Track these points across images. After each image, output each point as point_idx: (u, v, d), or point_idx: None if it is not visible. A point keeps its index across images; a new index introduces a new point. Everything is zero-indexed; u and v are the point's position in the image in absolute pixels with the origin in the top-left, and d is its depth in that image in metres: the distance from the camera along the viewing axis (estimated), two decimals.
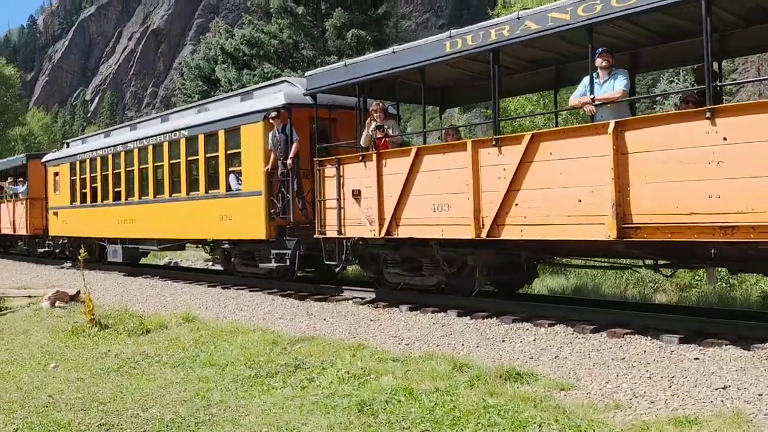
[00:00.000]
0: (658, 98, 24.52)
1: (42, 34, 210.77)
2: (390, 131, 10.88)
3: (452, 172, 9.29)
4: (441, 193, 9.48)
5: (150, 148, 16.23)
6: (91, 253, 18.42)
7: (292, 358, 6.99)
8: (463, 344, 7.90)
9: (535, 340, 7.97)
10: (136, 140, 16.95)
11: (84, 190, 19.50)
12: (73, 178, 20.14)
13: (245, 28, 23.45)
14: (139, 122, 19.24)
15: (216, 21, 75.64)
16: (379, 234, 10.38)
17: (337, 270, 12.64)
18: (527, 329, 8.58)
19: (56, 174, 21.33)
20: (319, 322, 9.58)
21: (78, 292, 12.07)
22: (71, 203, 20.15)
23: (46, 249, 22.39)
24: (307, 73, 12.15)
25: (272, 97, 12.95)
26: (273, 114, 12.36)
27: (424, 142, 10.70)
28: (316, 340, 8.02)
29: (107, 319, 9.57)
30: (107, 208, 18.18)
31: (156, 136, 16.10)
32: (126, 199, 17.30)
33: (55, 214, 21.07)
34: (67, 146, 22.51)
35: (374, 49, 15.61)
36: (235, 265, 14.33)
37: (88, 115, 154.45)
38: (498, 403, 5.36)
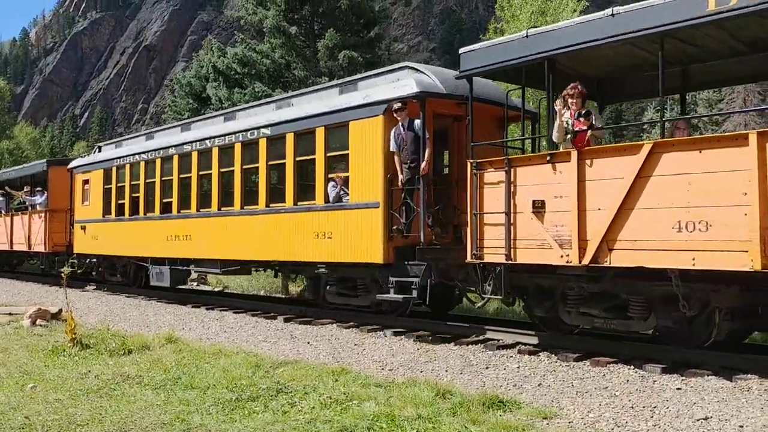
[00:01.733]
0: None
1: (34, 47, 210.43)
2: (595, 122, 8.41)
3: (716, 176, 6.79)
4: (694, 206, 6.93)
5: (214, 152, 13.88)
6: (123, 275, 17.37)
7: (275, 382, 6.93)
8: (446, 370, 7.88)
9: (518, 367, 7.96)
10: (195, 142, 14.56)
11: (121, 201, 17.02)
12: (107, 186, 17.66)
13: (238, 46, 23.53)
14: (194, 122, 16.40)
15: (209, 39, 76.04)
16: (579, 260, 7.84)
17: (479, 305, 10.49)
18: (511, 356, 8.59)
19: (85, 182, 18.86)
20: (303, 346, 9.53)
21: (60, 311, 11.96)
22: (104, 216, 17.70)
23: (71, 269, 19.29)
24: (461, 50, 9.40)
25: (394, 86, 10.69)
26: (398, 106, 10.17)
27: (661, 136, 7.82)
28: (299, 364, 7.97)
29: (89, 338, 9.46)
30: (152, 223, 15.68)
31: (223, 136, 13.75)
32: (179, 212, 14.86)
33: (83, 228, 18.65)
34: (99, 150, 19.71)
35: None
36: (326, 294, 12.16)
37: (77, 130, 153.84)
38: (480, 431, 5.34)
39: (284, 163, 12.28)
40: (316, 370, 7.62)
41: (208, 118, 16.04)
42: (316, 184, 11.59)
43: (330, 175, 11.44)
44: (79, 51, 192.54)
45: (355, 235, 10.68)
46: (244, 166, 13.21)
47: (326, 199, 11.40)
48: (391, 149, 10.28)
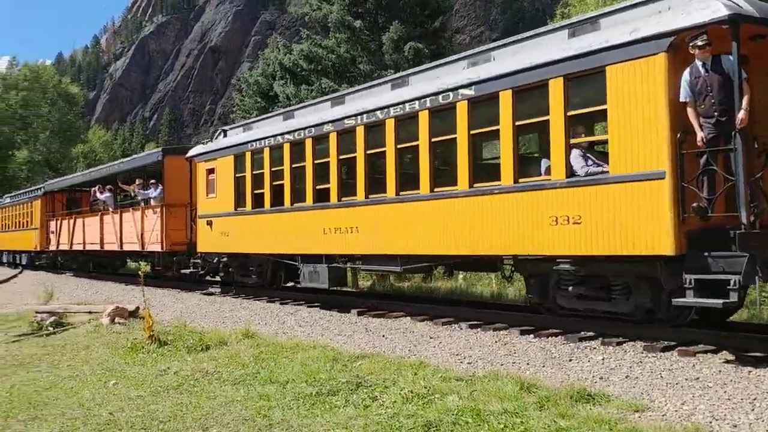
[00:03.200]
0: None
1: (104, 53, 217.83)
2: None
3: None
4: None
5: (389, 124, 11.34)
6: (259, 276, 15.27)
7: (354, 376, 6.84)
8: (528, 363, 7.64)
9: (603, 359, 7.66)
10: (359, 115, 11.96)
11: (259, 191, 14.52)
12: (239, 175, 15.25)
13: (303, 43, 23.61)
14: (347, 94, 13.50)
15: (274, 37, 76.74)
16: None
17: None
18: (594, 348, 8.28)
19: (210, 171, 16.43)
20: (378, 339, 9.43)
21: (137, 308, 12.18)
22: (236, 209, 15.27)
23: (192, 270, 17.38)
24: None
25: (681, 11, 7.79)
26: (697, 40, 7.51)
27: None
28: (376, 358, 7.86)
29: (166, 335, 9.59)
30: (303, 214, 13.20)
31: (400, 105, 11.19)
32: (339, 200, 12.41)
33: (209, 223, 16.24)
34: (225, 135, 17.06)
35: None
36: (558, 297, 9.52)
37: (147, 132, 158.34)
38: (571, 425, 5.11)
39: (497, 130, 9.67)
40: (394, 363, 7.50)
41: (369, 87, 13.07)
42: (554, 153, 8.93)
43: (573, 141, 8.85)
44: (147, 55, 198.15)
45: (623, 218, 8.06)
46: (433, 139, 10.72)
47: (569, 173, 8.78)
48: (681, 98, 7.72)
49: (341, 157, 12.51)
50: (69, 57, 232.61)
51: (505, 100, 9.44)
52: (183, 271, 17.79)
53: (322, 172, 12.99)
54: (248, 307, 13.40)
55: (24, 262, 33.93)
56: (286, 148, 13.72)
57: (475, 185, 9.97)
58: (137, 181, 20.45)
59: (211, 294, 16.36)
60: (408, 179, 11.28)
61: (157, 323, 10.00)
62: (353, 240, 12.01)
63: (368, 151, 11.89)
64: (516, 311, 11.13)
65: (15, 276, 27.74)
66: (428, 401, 5.93)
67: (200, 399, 6.47)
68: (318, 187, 12.97)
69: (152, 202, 19.45)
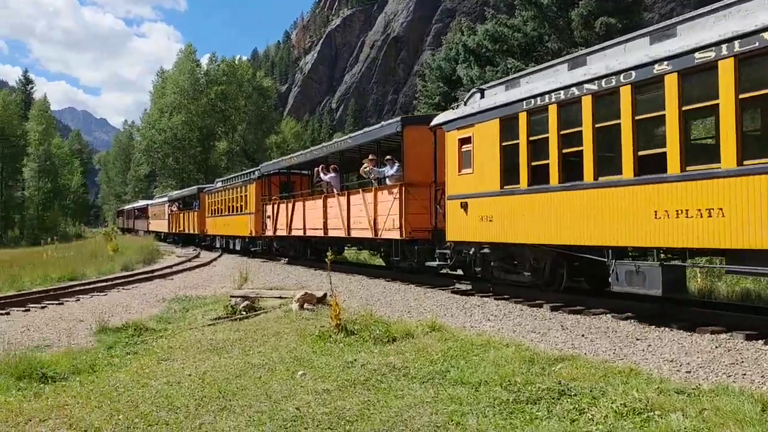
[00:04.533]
0: None
1: (295, 48, 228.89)
2: None
3: None
4: None
5: None
6: (534, 273, 12.01)
7: (555, 382, 6.09)
8: (763, 377, 6.46)
9: None
10: (720, 44, 8.13)
11: (540, 162, 11.18)
12: (508, 143, 11.98)
13: (487, 23, 22.80)
14: (677, 24, 9.49)
15: (458, 19, 75.99)
16: None
17: None
18: None
19: (464, 142, 13.30)
20: (577, 339, 8.55)
21: (325, 295, 12.13)
22: (503, 186, 12.10)
23: (440, 262, 14.55)
24: None
25: None
26: None
27: None
28: (577, 361, 7.04)
29: (353, 324, 9.34)
30: (617, 192, 9.70)
31: None
32: (684, 170, 8.68)
33: (463, 206, 13.17)
34: (482, 96, 13.40)
35: None
36: None
37: (334, 123, 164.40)
38: None
39: None
40: (598, 369, 6.65)
41: (702, 14, 9.12)
42: None
43: None
44: (333, 48, 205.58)
45: None
46: None
47: None
48: None
49: (685, 108, 8.72)
50: (263, 53, 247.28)
51: None
52: (428, 263, 14.81)
53: (648, 132, 9.72)
54: (433, 297, 12.93)
55: (238, 248, 32.73)
56: (586, 103, 10.24)
57: None
58: (370, 156, 17.69)
59: (461, 293, 13.55)
60: None
61: (344, 311, 9.80)
62: (712, 227, 8.31)
63: (743, 95, 8.01)
64: (733, 311, 9.77)
65: (215, 260, 29.42)
66: (646, 419, 5.08)
67: (388, 397, 6.05)
68: (642, 153, 9.42)
69: (387, 182, 16.68)
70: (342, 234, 19.17)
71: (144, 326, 11.23)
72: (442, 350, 7.69)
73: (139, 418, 5.80)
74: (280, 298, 12.81)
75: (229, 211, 32.99)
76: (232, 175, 37.58)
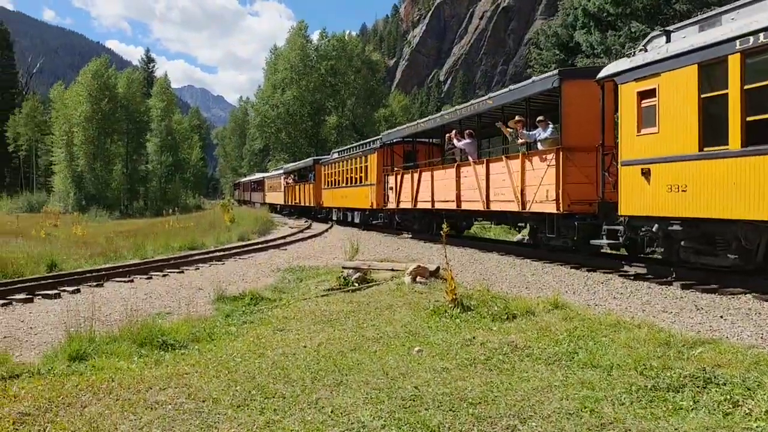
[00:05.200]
0: None
1: (403, 22, 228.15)
2: None
3: None
4: None
5: None
6: (741, 255, 9.76)
7: (698, 369, 5.52)
8: None
9: None
10: None
11: (760, 116, 8.94)
12: (710, 94, 9.81)
13: None
14: None
15: None
16: None
17: None
18: None
19: (644, 96, 11.14)
20: (715, 320, 7.85)
21: (438, 268, 11.82)
22: (702, 148, 9.90)
23: (610, 241, 12.33)
24: None
25: None
26: None
27: None
28: (719, 346, 6.40)
29: (469, 299, 8.98)
30: None
31: None
32: None
33: (645, 173, 11.02)
34: (668, 39, 11.16)
35: None
36: None
37: (442, 95, 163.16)
38: None
39: None
40: (746, 355, 6.00)
41: None
42: None
43: None
44: (442, 20, 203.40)
45: None
46: None
47: None
48: None
49: None
50: (371, 27, 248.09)
51: None
52: (594, 241, 12.74)
53: None
54: (551, 272, 12.35)
55: (357, 221, 31.28)
56: None
57: None
58: (516, 119, 15.40)
59: (641, 277, 11.46)
60: None
61: (458, 285, 9.46)
62: None
63: None
64: None
65: (326, 231, 29.76)
66: None
67: (512, 379, 5.67)
68: None
69: (539, 147, 14.36)
70: (479, 207, 17.09)
71: (260, 295, 11.32)
72: (568, 330, 7.21)
73: (256, 389, 5.71)
74: (392, 270, 12.59)
75: (347, 183, 31.81)
76: (349, 146, 35.95)
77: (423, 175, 21.50)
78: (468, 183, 17.83)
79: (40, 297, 11.91)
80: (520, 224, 17.03)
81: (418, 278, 11.45)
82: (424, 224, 22.82)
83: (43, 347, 8.30)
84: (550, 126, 14.35)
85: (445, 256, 9.83)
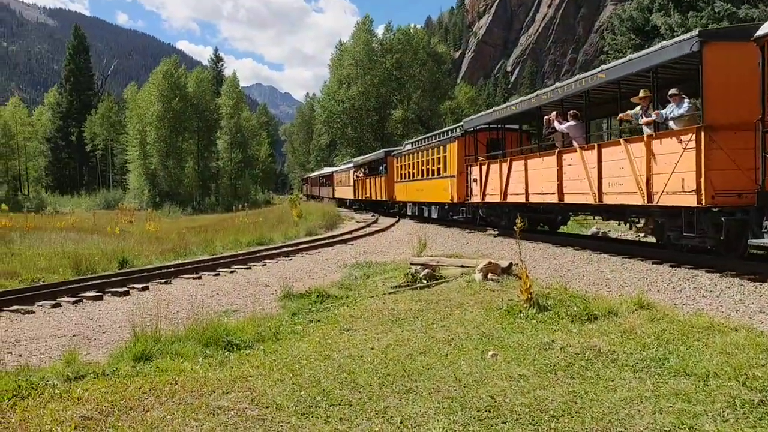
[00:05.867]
0: None
1: (469, 13, 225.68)
2: None
3: None
4: None
5: None
6: None
7: None
8: None
9: None
10: None
11: None
12: None
13: None
14: None
15: None
16: None
17: None
18: None
19: None
20: None
21: (510, 265, 11.32)
22: None
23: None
24: None
25: None
26: None
27: None
28: None
29: (545, 298, 8.49)
30: None
31: None
32: None
33: None
34: None
35: None
36: None
37: (509, 86, 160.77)
38: None
39: None
40: None
41: None
42: None
43: None
44: (508, 10, 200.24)
45: None
46: None
47: None
48: None
49: None
50: (437, 20, 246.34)
51: None
52: (754, 241, 10.22)
53: None
54: (632, 268, 11.65)
55: (434, 216, 28.65)
56: None
57: None
58: (641, 94, 13.18)
59: (730, 273, 10.50)
60: None
61: (534, 283, 8.97)
62: None
63: None
64: None
65: (392, 225, 29.47)
66: None
67: (597, 389, 5.20)
68: None
69: (672, 126, 12.08)
70: (588, 200, 14.44)
71: (326, 293, 11.08)
72: (655, 332, 6.66)
73: (321, 395, 5.42)
74: (462, 267, 12.14)
75: (422, 175, 29.32)
76: (424, 135, 33.38)
77: (514, 164, 18.68)
78: (573, 172, 15.15)
79: (109, 294, 11.99)
80: (632, 218, 14.62)
81: (490, 275, 10.98)
82: (514, 220, 19.61)
83: (111, 346, 8.25)
84: (686, 101, 12.09)
85: (519, 253, 9.34)
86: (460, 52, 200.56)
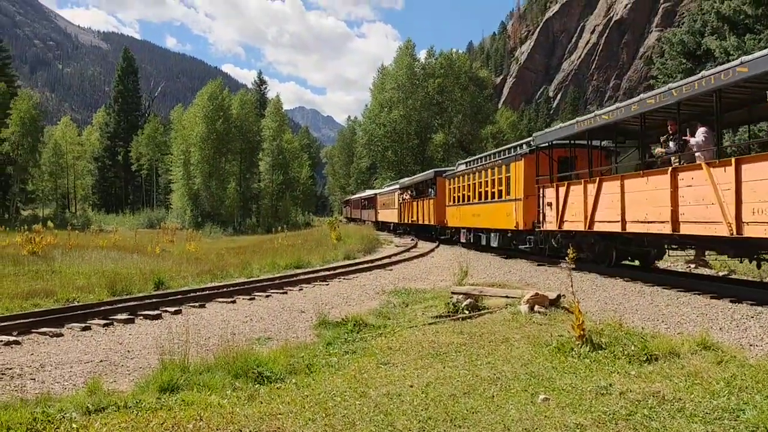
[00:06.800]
0: None
1: (510, 38, 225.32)
2: None
3: None
4: None
5: None
6: None
7: None
8: None
9: None
10: None
11: None
12: None
13: None
14: None
15: None
16: None
17: None
18: None
19: None
20: None
21: (558, 296, 10.72)
22: None
23: None
24: None
25: None
26: None
27: None
28: None
29: (598, 335, 7.89)
30: None
31: None
32: None
33: None
34: None
35: None
36: None
37: (551, 111, 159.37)
38: None
39: None
40: None
41: None
42: None
43: None
44: (551, 35, 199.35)
45: None
46: None
47: None
48: None
49: None
50: (478, 45, 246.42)
51: None
52: None
53: None
54: (689, 303, 10.92)
55: (494, 244, 24.63)
56: None
57: None
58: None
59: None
60: None
61: (586, 318, 8.37)
62: None
63: None
64: None
65: (432, 250, 28.89)
66: None
67: None
68: None
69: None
70: (719, 231, 11.17)
71: (363, 321, 10.60)
72: (724, 378, 6.03)
73: None
74: (506, 297, 11.56)
75: (479, 198, 26.04)
76: (484, 154, 29.56)
77: (605, 185, 15.57)
78: (694, 195, 11.97)
79: (141, 317, 11.69)
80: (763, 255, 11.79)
81: (537, 307, 10.40)
82: (601, 252, 16.94)
83: (137, 373, 7.89)
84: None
85: (571, 285, 8.71)
86: (501, 77, 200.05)
